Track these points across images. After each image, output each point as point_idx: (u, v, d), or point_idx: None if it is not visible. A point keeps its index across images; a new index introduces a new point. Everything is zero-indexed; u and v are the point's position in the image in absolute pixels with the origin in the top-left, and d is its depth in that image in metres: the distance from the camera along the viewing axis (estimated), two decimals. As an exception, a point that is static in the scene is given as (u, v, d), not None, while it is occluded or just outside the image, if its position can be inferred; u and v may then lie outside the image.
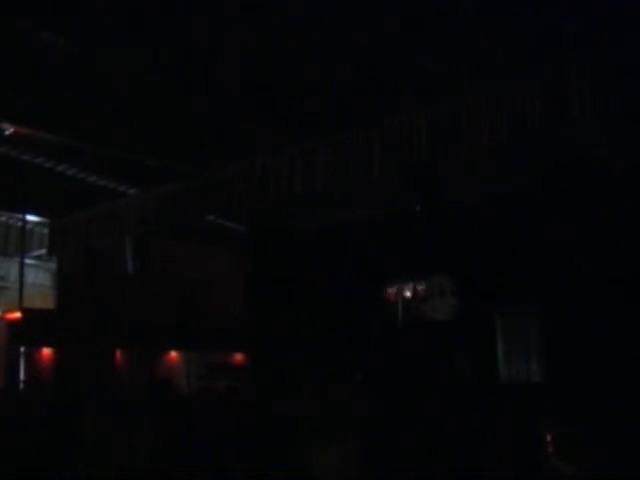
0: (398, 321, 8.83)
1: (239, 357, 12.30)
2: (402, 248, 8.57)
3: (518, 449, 7.23)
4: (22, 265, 11.52)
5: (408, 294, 8.80)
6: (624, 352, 7.35)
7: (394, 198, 8.27)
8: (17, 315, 10.69)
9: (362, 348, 8.84)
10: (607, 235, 7.55)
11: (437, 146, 6.98)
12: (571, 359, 7.69)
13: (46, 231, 11.00)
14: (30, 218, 11.46)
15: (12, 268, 12.51)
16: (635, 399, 7.11)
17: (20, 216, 11.44)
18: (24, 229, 11.54)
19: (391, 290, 8.94)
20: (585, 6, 6.47)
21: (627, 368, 7.28)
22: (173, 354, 11.96)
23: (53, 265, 12.02)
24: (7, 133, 8.47)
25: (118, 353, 11.19)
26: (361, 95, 7.59)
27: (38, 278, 13.03)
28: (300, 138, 7.97)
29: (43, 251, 11.77)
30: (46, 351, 10.78)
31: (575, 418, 7.44)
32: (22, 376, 10.55)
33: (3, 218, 12.31)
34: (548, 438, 7.33)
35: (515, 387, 8.08)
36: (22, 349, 10.62)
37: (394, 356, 8.54)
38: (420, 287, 8.69)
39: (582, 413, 7.39)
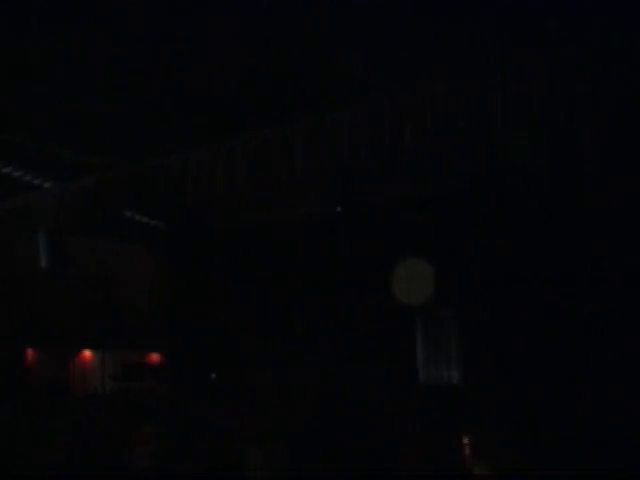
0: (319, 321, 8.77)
1: (155, 357, 12.09)
2: (322, 249, 8.51)
3: (436, 450, 7.25)
4: None
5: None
6: (540, 354, 7.42)
7: (315, 198, 8.20)
8: None
9: (283, 348, 8.76)
10: (528, 237, 7.62)
11: (360, 146, 6.94)
12: (489, 361, 7.74)
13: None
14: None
15: None
16: (550, 400, 7.19)
17: None
18: None
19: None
20: (509, 10, 6.53)
21: (543, 370, 7.36)
22: (87, 353, 11.67)
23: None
24: None
25: (30, 352, 10.94)
26: (283, 93, 7.52)
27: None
28: (221, 136, 7.85)
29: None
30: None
31: (492, 420, 7.50)
32: None
33: None
34: (465, 440, 7.38)
35: (434, 389, 8.09)
36: None
37: (315, 358, 8.49)
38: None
39: (499, 415, 7.45)
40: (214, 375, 9.31)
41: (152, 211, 9.60)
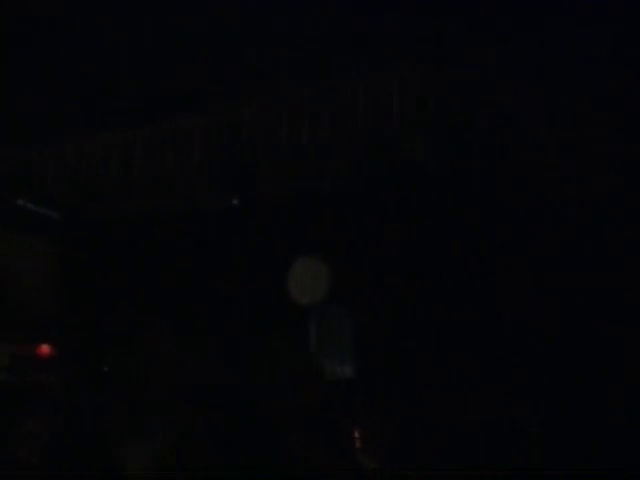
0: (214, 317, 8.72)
1: (47, 349, 11.81)
2: (218, 243, 8.47)
3: (326, 444, 7.31)
4: None
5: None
6: (431, 350, 7.55)
7: (212, 191, 8.17)
8: None
9: (178, 343, 8.68)
10: (422, 236, 7.74)
11: (257, 141, 6.94)
12: (380, 357, 7.83)
13: None
14: None
15: None
16: (439, 396, 7.32)
17: None
18: None
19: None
20: (410, 11, 6.62)
21: (432, 365, 7.48)
22: (-26, 344, 11.33)
23: None
24: None
25: None
26: (185, 84, 7.45)
27: None
28: (119, 123, 7.73)
29: None
30: None
31: (382, 414, 7.60)
32: None
33: None
34: (356, 434, 7.46)
35: (327, 384, 8.12)
36: None
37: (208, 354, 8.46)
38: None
39: (389, 409, 7.56)
40: (107, 369, 9.16)
41: (44, 201, 9.38)
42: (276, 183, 7.93)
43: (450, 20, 6.68)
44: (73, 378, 9.09)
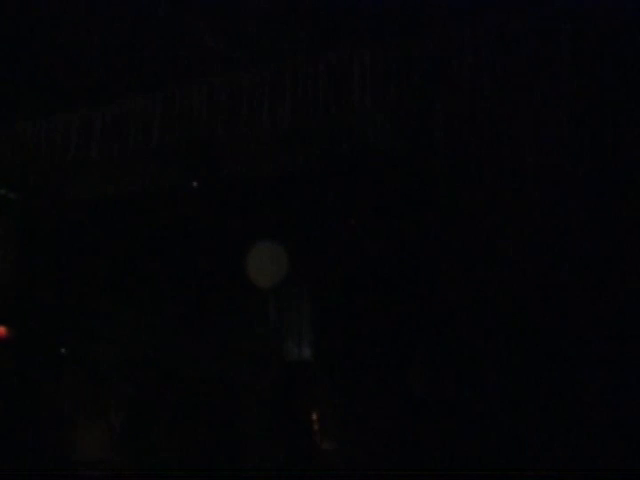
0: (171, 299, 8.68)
1: (3, 330, 11.67)
2: (176, 224, 8.42)
3: (283, 428, 7.35)
4: None
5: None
6: (391, 331, 7.58)
7: (171, 172, 8.11)
8: None
9: (132, 325, 8.63)
10: (382, 219, 7.75)
11: (216, 122, 6.90)
12: (339, 339, 7.86)
13: None
14: None
15: None
16: (398, 377, 7.37)
17: None
18: None
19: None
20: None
21: (392, 347, 7.51)
22: None
23: None
24: None
25: None
26: (143, 63, 7.38)
27: None
28: (78, 103, 7.64)
29: None
30: None
31: (341, 396, 7.64)
32: None
33: None
34: (314, 416, 7.50)
35: (286, 366, 8.16)
36: None
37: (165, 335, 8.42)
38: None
39: (348, 391, 7.60)
40: (63, 350, 9.08)
41: (1, 181, 9.25)
42: (235, 165, 7.90)
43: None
44: (29, 360, 9.01)
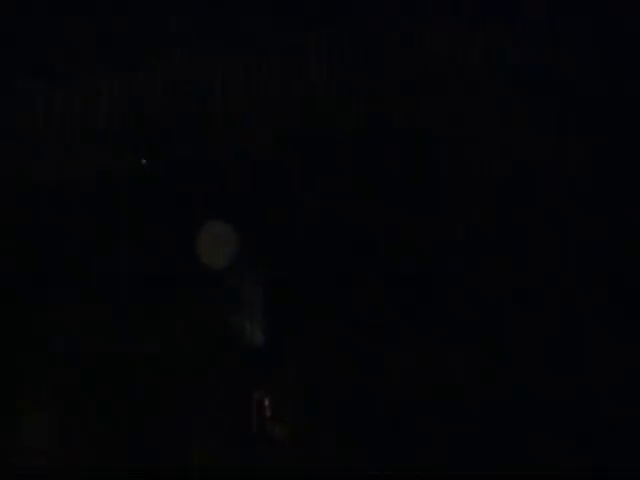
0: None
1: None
2: (126, 204, 8.23)
3: (232, 415, 7.29)
4: None
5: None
6: (346, 316, 7.52)
7: (120, 151, 7.94)
8: None
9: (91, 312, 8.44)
10: (341, 202, 7.67)
11: (169, 102, 6.77)
12: (292, 323, 7.78)
13: None
14: None
15: None
16: (354, 361, 7.34)
17: None
18: None
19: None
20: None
21: (347, 330, 7.47)
22: None
23: None
24: None
25: None
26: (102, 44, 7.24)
27: None
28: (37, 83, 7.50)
29: None
30: None
31: (292, 381, 7.59)
32: None
33: None
34: (266, 402, 7.44)
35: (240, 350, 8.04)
36: None
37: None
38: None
39: (299, 376, 7.55)
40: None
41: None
42: (186, 145, 7.76)
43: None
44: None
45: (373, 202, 7.50)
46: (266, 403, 7.44)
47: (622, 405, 6.22)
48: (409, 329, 7.15)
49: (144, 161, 8.02)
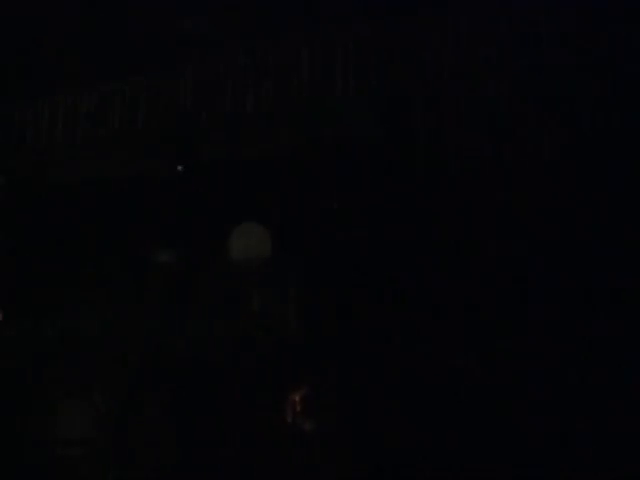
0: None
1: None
2: (161, 207, 8.42)
3: (266, 406, 7.37)
4: None
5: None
6: (378, 313, 7.57)
7: (156, 155, 8.13)
8: None
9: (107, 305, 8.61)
10: (363, 202, 7.75)
11: (202, 106, 6.92)
12: (327, 318, 7.85)
13: None
14: None
15: None
16: (385, 359, 7.39)
17: None
18: None
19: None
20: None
21: (378, 326, 7.51)
22: None
23: None
24: None
25: None
26: (128, 47, 7.39)
27: None
28: (63, 87, 7.66)
29: None
30: None
31: (325, 376, 7.66)
32: None
33: None
34: (297, 398, 7.52)
35: (269, 345, 8.13)
36: None
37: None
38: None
39: (332, 372, 7.62)
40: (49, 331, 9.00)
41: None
42: (220, 150, 7.92)
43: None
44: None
45: (400, 206, 7.59)
46: (297, 399, 7.52)
47: (622, 405, 6.22)
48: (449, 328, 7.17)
49: (180, 167, 8.22)
